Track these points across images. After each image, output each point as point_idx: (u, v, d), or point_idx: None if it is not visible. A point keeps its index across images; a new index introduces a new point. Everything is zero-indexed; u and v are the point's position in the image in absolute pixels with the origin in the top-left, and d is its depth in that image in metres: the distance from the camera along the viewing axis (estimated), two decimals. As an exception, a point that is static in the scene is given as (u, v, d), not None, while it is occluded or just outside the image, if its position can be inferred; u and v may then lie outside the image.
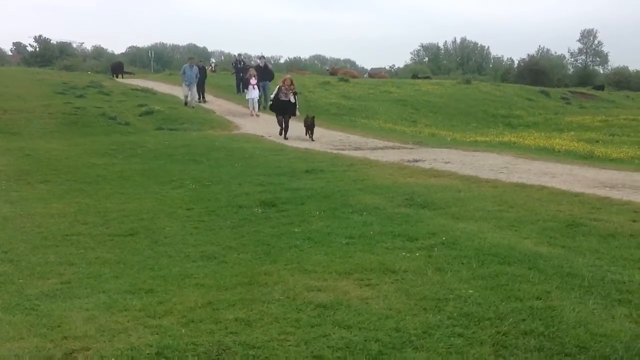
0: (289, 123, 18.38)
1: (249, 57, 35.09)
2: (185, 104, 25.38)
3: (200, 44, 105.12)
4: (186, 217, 8.75)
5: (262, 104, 24.93)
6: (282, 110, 18.32)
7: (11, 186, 11.09)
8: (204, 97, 27.78)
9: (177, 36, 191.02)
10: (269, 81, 26.09)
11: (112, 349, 4.28)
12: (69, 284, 5.91)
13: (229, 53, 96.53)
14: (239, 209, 8.96)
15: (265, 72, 26.14)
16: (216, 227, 8.09)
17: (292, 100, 18.22)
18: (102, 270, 6.38)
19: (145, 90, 28.77)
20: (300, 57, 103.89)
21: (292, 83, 18.51)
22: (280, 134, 18.27)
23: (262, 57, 29.08)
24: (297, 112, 18.67)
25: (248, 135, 18.81)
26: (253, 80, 24.17)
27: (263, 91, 25.49)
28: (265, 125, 20.69)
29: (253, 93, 24.31)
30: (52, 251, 7.12)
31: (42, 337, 4.53)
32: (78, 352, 4.27)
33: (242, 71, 29.53)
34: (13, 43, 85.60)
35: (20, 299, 5.48)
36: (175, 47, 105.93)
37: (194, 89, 25.74)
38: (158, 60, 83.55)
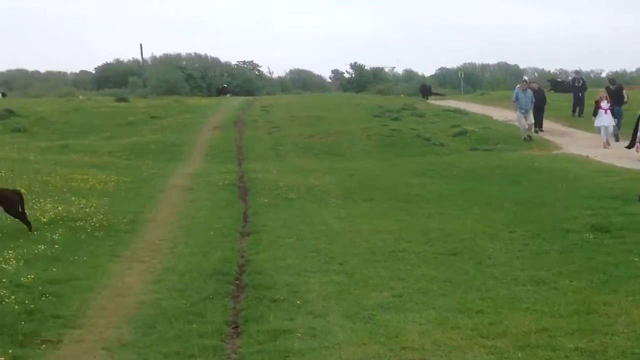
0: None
1: (564, 72, 32.58)
2: (524, 139, 21.54)
3: (512, 62, 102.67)
4: (509, 239, 8.56)
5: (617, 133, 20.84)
6: None
7: (339, 203, 12.02)
8: (540, 126, 23.71)
9: (486, 55, 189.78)
10: (621, 106, 21.96)
11: (449, 364, 4.35)
12: (400, 297, 6.20)
13: (542, 69, 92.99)
14: (566, 234, 8.50)
15: (615, 95, 21.70)
16: (542, 252, 7.80)
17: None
18: (430, 287, 6.56)
19: (457, 111, 29.03)
20: (625, 70, 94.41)
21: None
22: None
23: (612, 78, 25.85)
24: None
25: (571, 156, 17.72)
26: (604, 104, 20.31)
27: (617, 118, 21.14)
28: (594, 147, 19.15)
29: (604, 119, 20.16)
30: (381, 265, 7.53)
31: (381, 345, 4.83)
32: (416, 363, 4.44)
33: (579, 90, 27.48)
34: (332, 70, 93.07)
35: (358, 308, 5.91)
36: (485, 66, 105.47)
37: (530, 116, 22.07)
38: (467, 80, 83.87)
